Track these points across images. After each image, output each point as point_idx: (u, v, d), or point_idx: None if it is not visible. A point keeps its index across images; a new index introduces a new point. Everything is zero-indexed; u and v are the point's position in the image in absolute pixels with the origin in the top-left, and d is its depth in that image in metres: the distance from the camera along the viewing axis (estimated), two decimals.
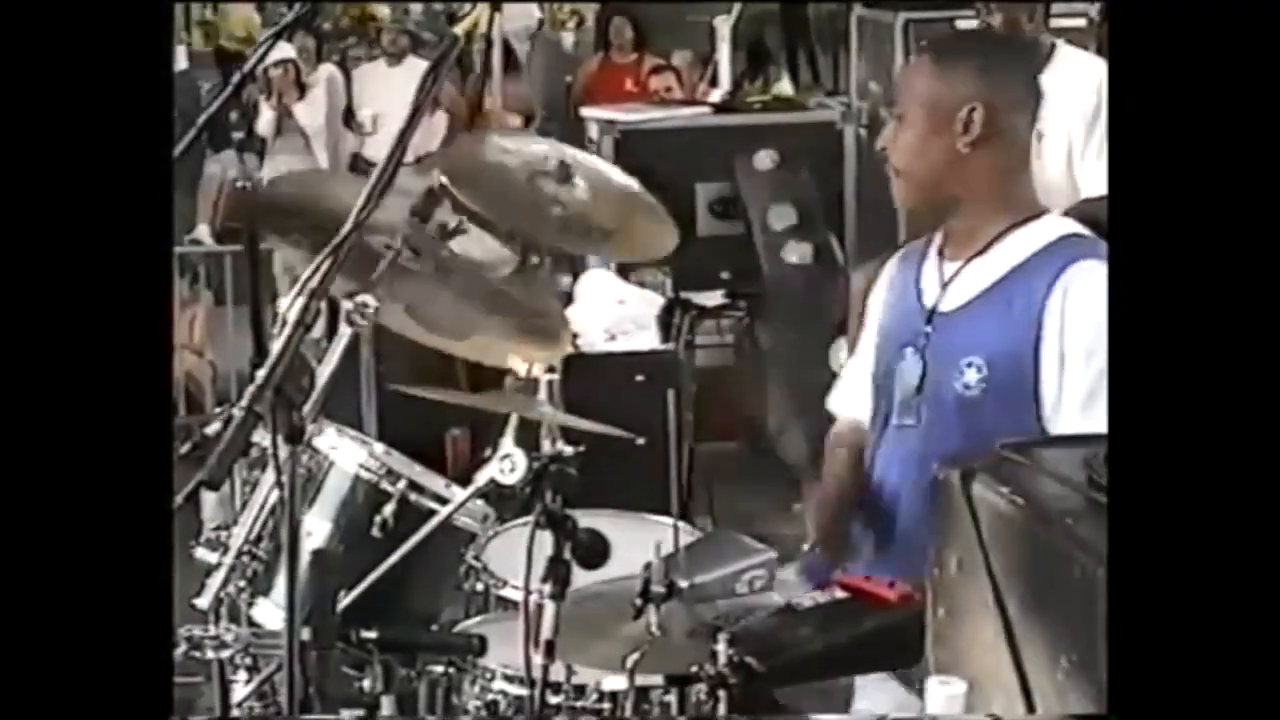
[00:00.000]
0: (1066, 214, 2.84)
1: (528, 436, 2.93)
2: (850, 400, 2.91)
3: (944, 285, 2.69)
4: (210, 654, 2.80)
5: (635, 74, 9.68)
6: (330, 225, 2.13)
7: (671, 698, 2.42)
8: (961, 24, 6.19)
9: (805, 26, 10.83)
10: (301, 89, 9.41)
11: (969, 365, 2.59)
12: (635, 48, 9.94)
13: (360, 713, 2.66)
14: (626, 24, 10.00)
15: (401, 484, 2.95)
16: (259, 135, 9.52)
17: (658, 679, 2.42)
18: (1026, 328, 2.55)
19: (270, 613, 2.89)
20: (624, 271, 5.83)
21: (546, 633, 2.32)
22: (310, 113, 9.35)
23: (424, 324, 3.11)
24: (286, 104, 9.32)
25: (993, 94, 2.63)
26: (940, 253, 2.74)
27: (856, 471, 2.79)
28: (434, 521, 2.91)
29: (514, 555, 2.58)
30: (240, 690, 2.87)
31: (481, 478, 2.88)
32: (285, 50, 9.06)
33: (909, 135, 2.66)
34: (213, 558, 2.90)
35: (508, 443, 2.87)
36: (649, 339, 5.62)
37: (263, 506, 2.89)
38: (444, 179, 3.06)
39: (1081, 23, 6.42)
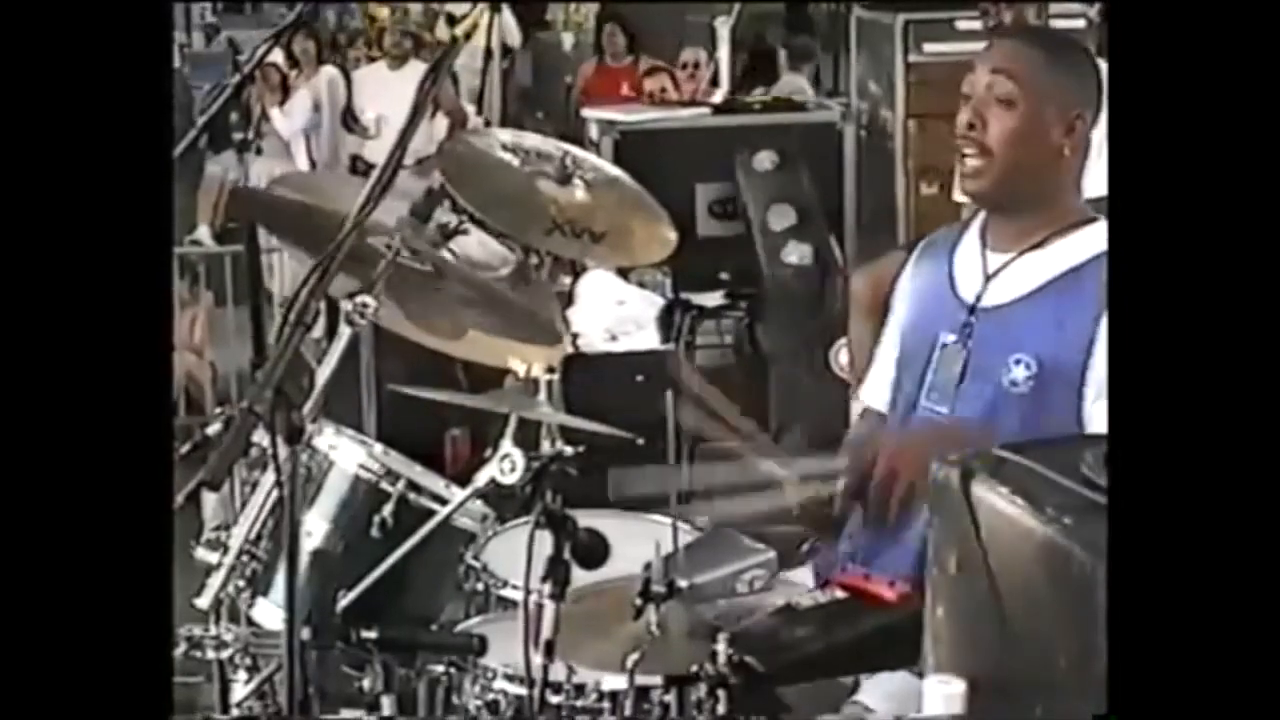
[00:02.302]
0: None
1: (527, 436, 2.93)
2: (881, 391, 2.89)
3: (989, 276, 2.67)
4: (210, 654, 2.80)
5: (630, 78, 9.75)
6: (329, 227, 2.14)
7: (671, 697, 2.41)
8: (962, 25, 6.21)
9: (810, 28, 10.84)
10: (285, 93, 9.38)
11: (1018, 362, 2.57)
12: (629, 52, 10.02)
13: (360, 713, 2.66)
14: (617, 30, 10.13)
15: (401, 484, 2.95)
16: (251, 138, 9.51)
17: (657, 679, 2.42)
18: (1082, 330, 2.53)
19: (270, 612, 2.89)
20: (624, 272, 5.83)
21: (546, 632, 2.32)
22: (286, 120, 9.31)
23: (421, 325, 3.11)
24: (265, 109, 9.30)
25: (1088, 103, 2.65)
26: (982, 240, 2.73)
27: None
28: (433, 521, 2.91)
29: (514, 555, 2.58)
30: (240, 690, 2.87)
31: (481, 478, 2.88)
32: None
33: (1015, 123, 2.61)
34: (213, 558, 2.90)
35: (507, 443, 2.87)
36: (649, 339, 5.62)
37: (263, 506, 2.89)
38: (442, 178, 3.06)
39: (1081, 23, 6.42)
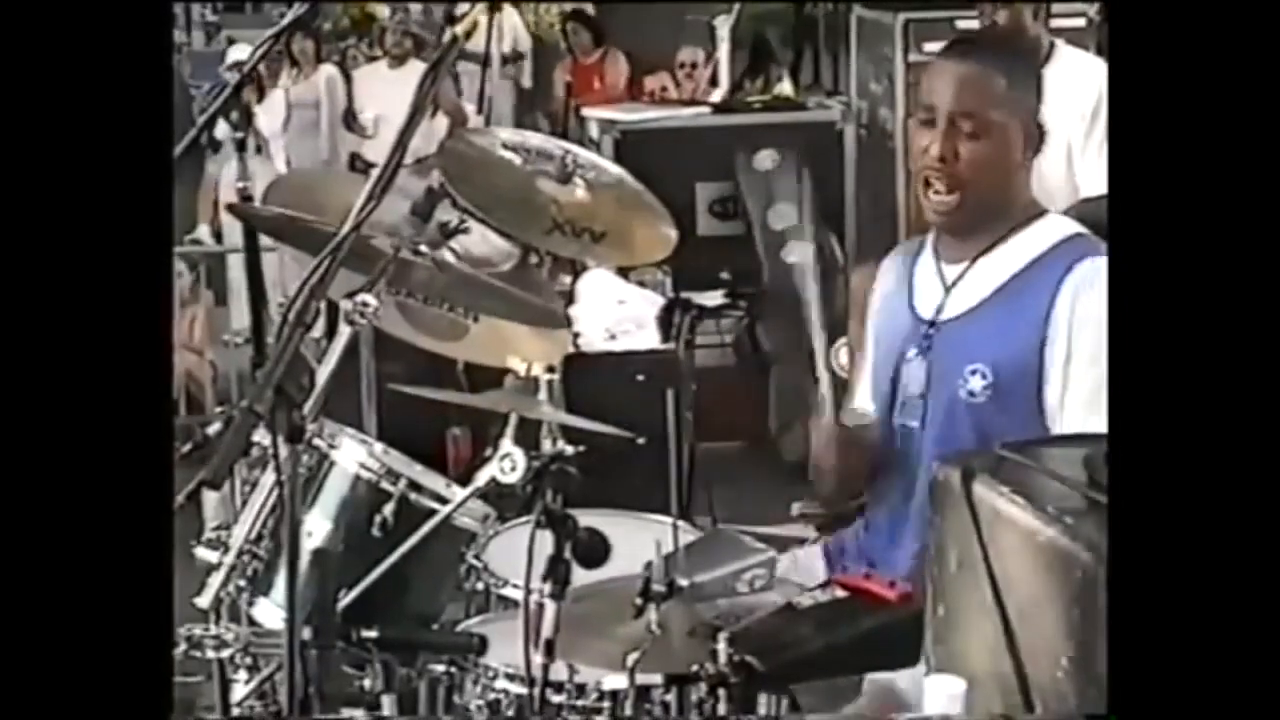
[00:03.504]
0: (1065, 214, 2.84)
1: (528, 436, 2.93)
2: (864, 398, 2.92)
3: (947, 289, 2.68)
4: (210, 653, 2.80)
5: (599, 71, 9.89)
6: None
7: (671, 697, 2.41)
8: (962, 24, 6.20)
9: (813, 27, 10.85)
10: (261, 94, 9.35)
11: (973, 373, 2.59)
12: (596, 46, 10.11)
13: (360, 712, 2.66)
14: (580, 27, 10.25)
15: (401, 483, 2.95)
16: (257, 136, 9.48)
17: (658, 678, 2.42)
18: (1032, 331, 2.55)
19: (270, 612, 2.89)
20: (624, 271, 5.83)
21: (547, 632, 2.32)
22: (266, 120, 9.28)
23: (420, 328, 3.12)
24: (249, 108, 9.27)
25: (1037, 106, 2.66)
26: (936, 253, 2.72)
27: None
28: (434, 521, 2.91)
29: (514, 554, 2.58)
30: (240, 689, 2.87)
31: (482, 477, 2.88)
32: (241, 53, 9.01)
33: (985, 152, 2.59)
34: (213, 557, 2.90)
35: (508, 442, 2.87)
36: (649, 339, 5.62)
37: (263, 506, 2.89)
38: (442, 177, 3.07)
39: (1081, 23, 6.42)
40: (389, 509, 2.93)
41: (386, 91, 8.97)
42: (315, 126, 9.47)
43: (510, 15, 10.93)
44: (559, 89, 10.29)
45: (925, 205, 2.66)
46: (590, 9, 11.10)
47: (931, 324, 2.68)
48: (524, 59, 11.11)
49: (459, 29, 2.38)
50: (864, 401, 2.93)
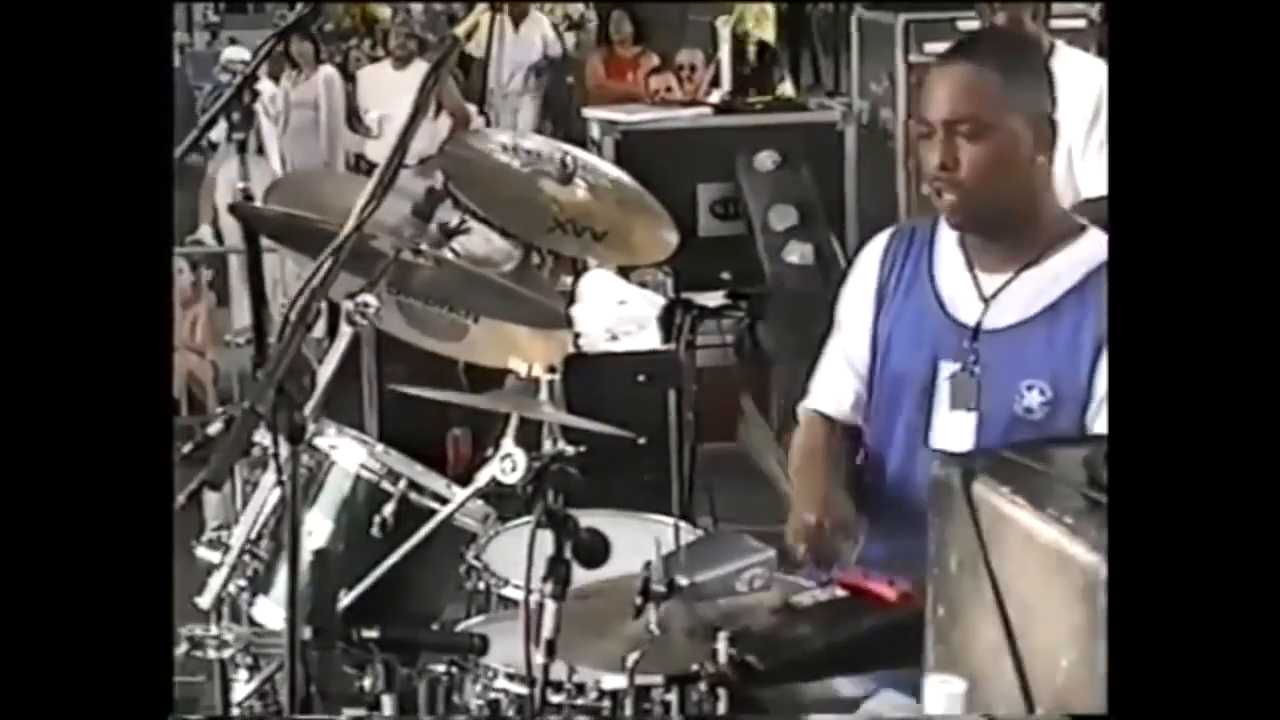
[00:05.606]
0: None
1: (528, 436, 2.93)
2: (836, 397, 2.87)
3: (986, 300, 2.62)
4: (211, 653, 2.80)
5: (635, 68, 9.81)
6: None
7: (672, 697, 2.41)
8: (963, 24, 6.21)
9: (808, 27, 10.86)
10: (254, 95, 9.31)
11: (1030, 388, 2.54)
12: (636, 41, 10.05)
13: (361, 712, 2.66)
14: (624, 18, 10.12)
15: (402, 484, 2.95)
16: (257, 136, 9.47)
17: (658, 678, 2.42)
18: (1088, 349, 2.51)
19: (271, 612, 2.90)
20: (625, 272, 5.83)
21: (547, 632, 2.32)
22: (264, 121, 9.25)
23: (421, 328, 3.12)
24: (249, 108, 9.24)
25: (1047, 101, 2.60)
26: (967, 258, 2.67)
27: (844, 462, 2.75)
28: (435, 521, 2.91)
29: (515, 554, 2.58)
30: (241, 689, 2.87)
31: (482, 477, 2.88)
32: (236, 53, 9.00)
33: (988, 152, 2.53)
34: (214, 557, 2.90)
35: (509, 442, 2.87)
36: (650, 339, 5.62)
37: (264, 506, 2.89)
38: (444, 177, 3.07)
39: (1081, 23, 6.42)
40: (389, 509, 2.93)
41: (391, 92, 8.96)
42: (314, 127, 9.46)
43: (540, 23, 10.92)
44: (589, 77, 10.21)
45: (941, 211, 2.63)
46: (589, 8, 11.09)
47: (974, 336, 2.61)
48: (557, 63, 11.05)
49: (460, 29, 2.38)
50: (825, 397, 2.88)
